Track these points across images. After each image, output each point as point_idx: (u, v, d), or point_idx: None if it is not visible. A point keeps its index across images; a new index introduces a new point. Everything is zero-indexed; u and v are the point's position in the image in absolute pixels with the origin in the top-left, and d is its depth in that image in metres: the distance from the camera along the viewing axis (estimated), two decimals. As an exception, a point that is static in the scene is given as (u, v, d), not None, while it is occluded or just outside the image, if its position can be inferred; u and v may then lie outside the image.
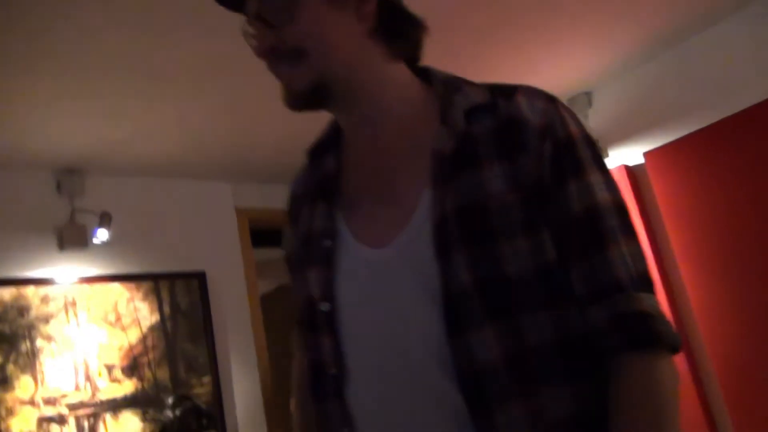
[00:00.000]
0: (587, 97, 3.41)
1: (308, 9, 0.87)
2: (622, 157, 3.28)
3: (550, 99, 0.91)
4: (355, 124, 0.96)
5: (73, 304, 2.93)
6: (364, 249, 0.90)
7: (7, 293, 2.78)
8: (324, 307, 0.90)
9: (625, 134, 3.29)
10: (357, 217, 0.93)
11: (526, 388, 0.81)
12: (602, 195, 0.86)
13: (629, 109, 3.28)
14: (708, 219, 2.94)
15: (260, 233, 3.49)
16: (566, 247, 0.85)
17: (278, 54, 0.88)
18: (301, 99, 0.90)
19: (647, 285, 0.85)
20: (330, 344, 0.90)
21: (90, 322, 2.94)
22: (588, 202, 0.85)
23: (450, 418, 0.82)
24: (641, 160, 3.20)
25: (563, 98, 3.25)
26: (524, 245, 0.83)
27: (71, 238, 2.97)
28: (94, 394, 2.85)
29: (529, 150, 0.86)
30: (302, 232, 0.99)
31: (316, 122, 1.07)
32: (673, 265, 3.07)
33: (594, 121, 3.35)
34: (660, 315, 0.84)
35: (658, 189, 3.12)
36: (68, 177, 3.04)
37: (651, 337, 0.81)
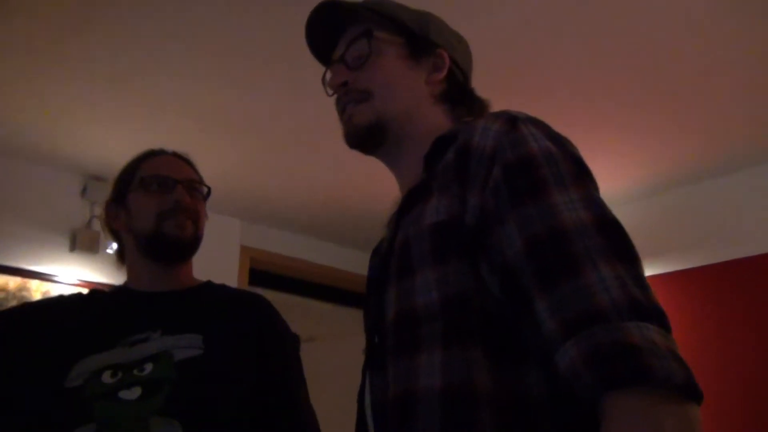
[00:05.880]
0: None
1: (385, 60, 0.96)
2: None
3: (511, 119, 0.81)
4: (399, 176, 0.99)
5: (71, 305, 3.11)
6: None
7: (12, 282, 3.00)
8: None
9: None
10: None
11: None
12: (575, 214, 0.71)
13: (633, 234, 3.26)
14: (697, 356, 2.79)
15: (258, 273, 3.47)
16: (523, 281, 0.70)
17: (348, 90, 0.97)
18: (359, 134, 0.96)
19: (644, 313, 0.64)
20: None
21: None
22: (551, 224, 0.70)
23: None
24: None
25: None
26: (431, 276, 0.76)
27: (84, 242, 3.11)
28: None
29: (474, 179, 0.77)
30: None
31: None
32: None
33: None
34: (656, 347, 0.62)
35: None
36: (95, 184, 3.19)
37: (635, 372, 0.60)
